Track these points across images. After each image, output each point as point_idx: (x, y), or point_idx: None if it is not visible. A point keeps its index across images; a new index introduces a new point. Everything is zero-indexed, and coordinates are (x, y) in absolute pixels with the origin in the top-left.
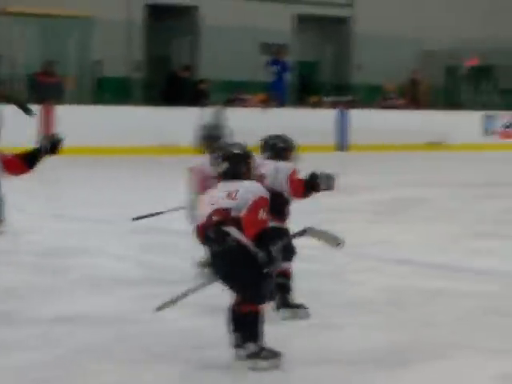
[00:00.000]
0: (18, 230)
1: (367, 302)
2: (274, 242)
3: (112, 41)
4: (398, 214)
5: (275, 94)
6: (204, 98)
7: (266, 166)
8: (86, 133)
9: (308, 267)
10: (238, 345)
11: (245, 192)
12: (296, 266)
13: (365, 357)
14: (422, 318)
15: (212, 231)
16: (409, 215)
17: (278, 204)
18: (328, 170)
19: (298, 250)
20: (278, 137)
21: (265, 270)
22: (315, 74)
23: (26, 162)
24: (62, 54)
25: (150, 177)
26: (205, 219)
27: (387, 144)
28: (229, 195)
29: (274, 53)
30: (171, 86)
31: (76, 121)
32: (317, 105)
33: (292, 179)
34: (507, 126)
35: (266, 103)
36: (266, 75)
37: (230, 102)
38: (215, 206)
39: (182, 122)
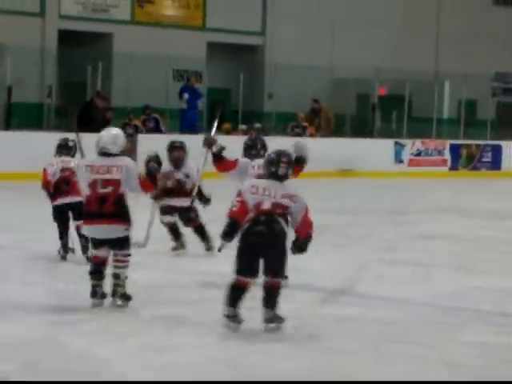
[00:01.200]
0: None
1: (273, 329)
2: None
3: (25, 66)
4: None
5: (187, 121)
6: (108, 125)
7: None
8: None
9: (217, 294)
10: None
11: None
12: (204, 294)
13: None
14: (328, 345)
15: (265, 217)
16: (317, 242)
17: None
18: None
19: (206, 278)
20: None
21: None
22: (227, 101)
23: (152, 182)
24: None
25: None
26: (263, 207)
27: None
28: (290, 198)
29: (187, 80)
30: (86, 113)
31: None
32: (230, 132)
33: None
34: (416, 154)
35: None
36: (179, 102)
37: (124, 128)
38: (275, 201)
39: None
